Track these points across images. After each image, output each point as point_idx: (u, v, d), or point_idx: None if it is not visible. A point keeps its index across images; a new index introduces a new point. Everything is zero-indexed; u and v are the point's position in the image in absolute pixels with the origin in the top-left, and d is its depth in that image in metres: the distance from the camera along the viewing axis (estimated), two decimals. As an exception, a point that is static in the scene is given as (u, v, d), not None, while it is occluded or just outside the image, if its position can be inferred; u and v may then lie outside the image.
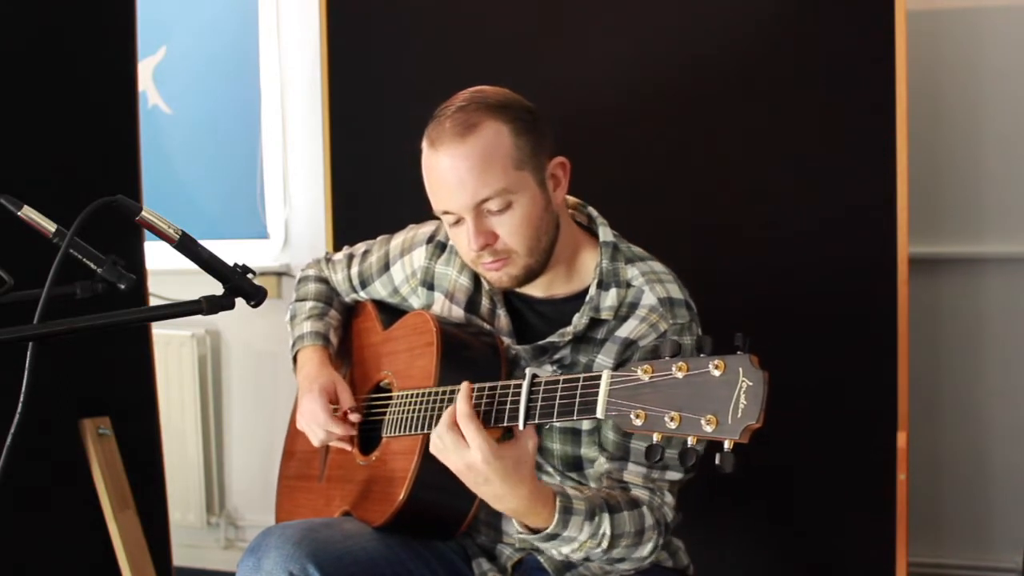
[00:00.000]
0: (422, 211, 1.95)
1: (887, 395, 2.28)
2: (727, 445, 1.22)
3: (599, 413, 1.36)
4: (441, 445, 1.49)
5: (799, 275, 2.39)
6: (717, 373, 1.24)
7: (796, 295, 2.38)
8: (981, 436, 2.75)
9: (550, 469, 1.75)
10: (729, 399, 1.22)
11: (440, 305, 1.86)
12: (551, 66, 2.51)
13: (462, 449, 1.47)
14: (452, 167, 1.62)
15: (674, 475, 1.65)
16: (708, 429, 1.23)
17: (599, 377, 1.37)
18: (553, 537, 1.53)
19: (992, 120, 2.68)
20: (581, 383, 1.40)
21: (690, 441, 1.26)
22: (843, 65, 2.33)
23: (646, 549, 1.61)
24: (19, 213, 1.55)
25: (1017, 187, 2.68)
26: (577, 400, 1.40)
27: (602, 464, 1.69)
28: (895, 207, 2.26)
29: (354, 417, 1.85)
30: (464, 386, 1.50)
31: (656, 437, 1.29)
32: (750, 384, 1.22)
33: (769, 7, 2.37)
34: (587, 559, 1.60)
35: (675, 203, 2.46)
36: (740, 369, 1.23)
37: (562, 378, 1.44)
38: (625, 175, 2.47)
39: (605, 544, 1.55)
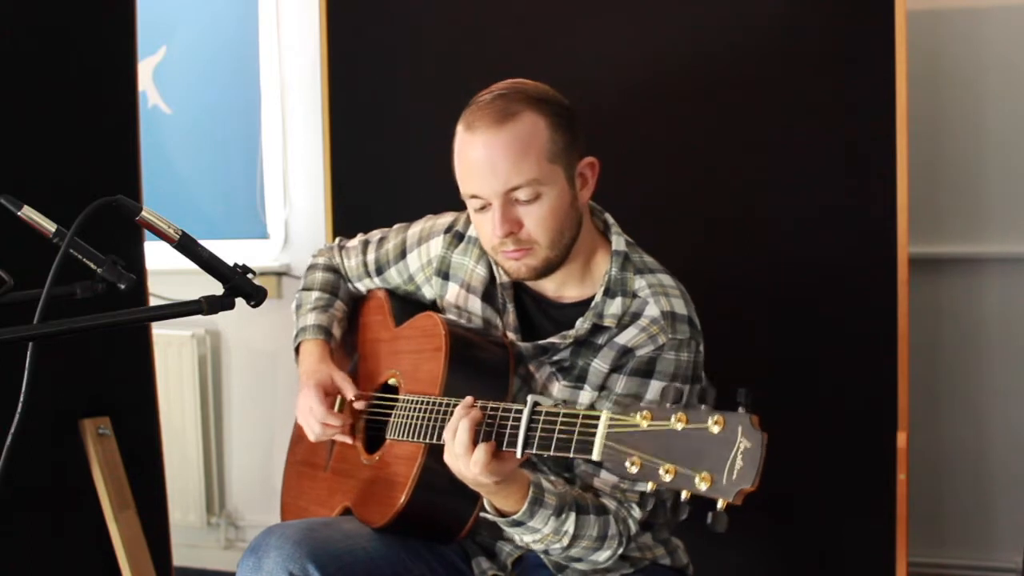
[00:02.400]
0: (423, 211, 1.96)
1: (887, 395, 2.28)
2: (720, 504, 1.20)
3: (595, 455, 1.34)
4: (456, 465, 1.52)
5: (799, 275, 2.39)
6: (716, 430, 1.22)
7: (796, 295, 2.38)
8: (981, 436, 2.75)
9: (545, 469, 1.76)
10: (726, 459, 1.20)
11: (455, 295, 1.86)
12: (551, 65, 2.50)
13: (476, 476, 1.50)
14: (487, 152, 1.63)
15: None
16: (702, 487, 1.21)
17: (598, 418, 1.35)
18: (518, 524, 1.57)
19: (992, 120, 2.68)
20: (580, 420, 1.38)
21: (683, 495, 1.24)
22: (843, 65, 2.33)
23: (603, 555, 1.64)
24: (19, 213, 1.54)
25: (1017, 187, 2.68)
26: (575, 438, 1.39)
27: (578, 464, 1.70)
28: (895, 207, 2.26)
29: (359, 404, 1.86)
30: (469, 403, 1.52)
31: (650, 486, 1.28)
32: (748, 446, 1.19)
33: (769, 7, 2.37)
34: (546, 551, 1.64)
35: (675, 203, 2.46)
36: (740, 428, 1.20)
37: (562, 411, 1.43)
38: (624, 175, 2.46)
39: (566, 541, 1.59)
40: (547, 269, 1.71)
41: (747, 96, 2.39)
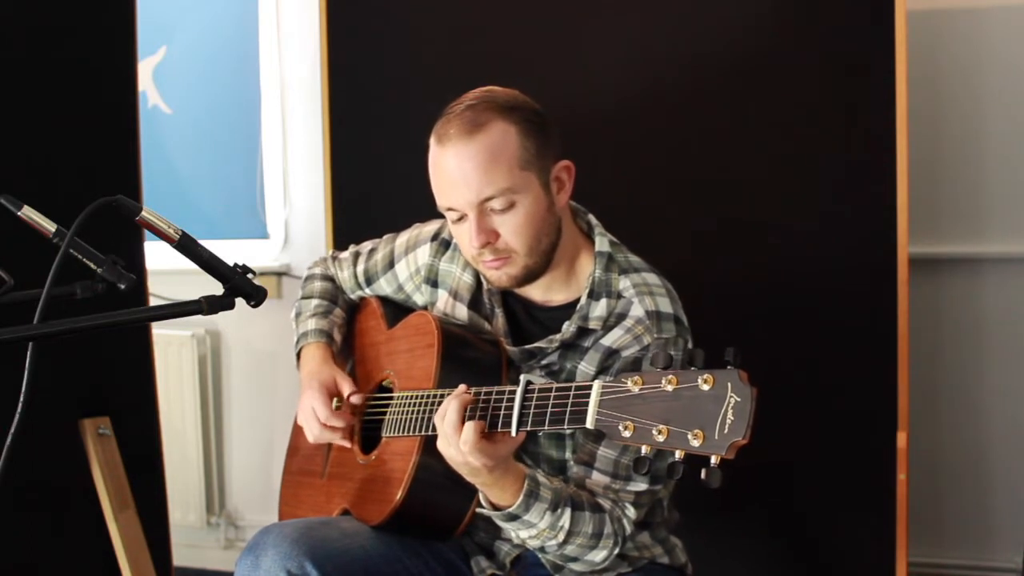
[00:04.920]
0: (422, 211, 1.96)
1: (887, 395, 2.28)
2: (714, 460, 1.22)
3: (589, 423, 1.36)
4: (448, 451, 1.53)
5: (799, 275, 2.39)
6: (706, 387, 1.24)
7: (796, 295, 2.39)
8: (981, 436, 2.75)
9: (540, 470, 1.75)
10: (717, 414, 1.22)
11: (444, 302, 1.87)
12: (551, 66, 2.51)
13: (466, 457, 1.50)
14: (458, 164, 1.64)
15: (637, 486, 1.66)
16: (695, 444, 1.23)
17: (590, 387, 1.38)
18: (514, 518, 1.57)
19: (992, 120, 2.68)
20: (573, 392, 1.41)
21: (677, 455, 1.26)
22: (843, 65, 2.33)
23: (600, 555, 1.63)
24: (19, 213, 1.54)
25: (1017, 187, 2.68)
26: (568, 409, 1.40)
27: (571, 466, 1.70)
28: (895, 207, 2.26)
29: (356, 399, 1.87)
30: (463, 391, 1.53)
31: (644, 449, 1.29)
32: (738, 400, 1.22)
33: (769, 7, 2.37)
34: (542, 549, 1.63)
35: (675, 203, 2.46)
36: (729, 384, 1.23)
37: (555, 386, 1.45)
38: (624, 176, 2.47)
39: (561, 537, 1.59)
40: (528, 277, 1.71)
41: (747, 96, 2.39)
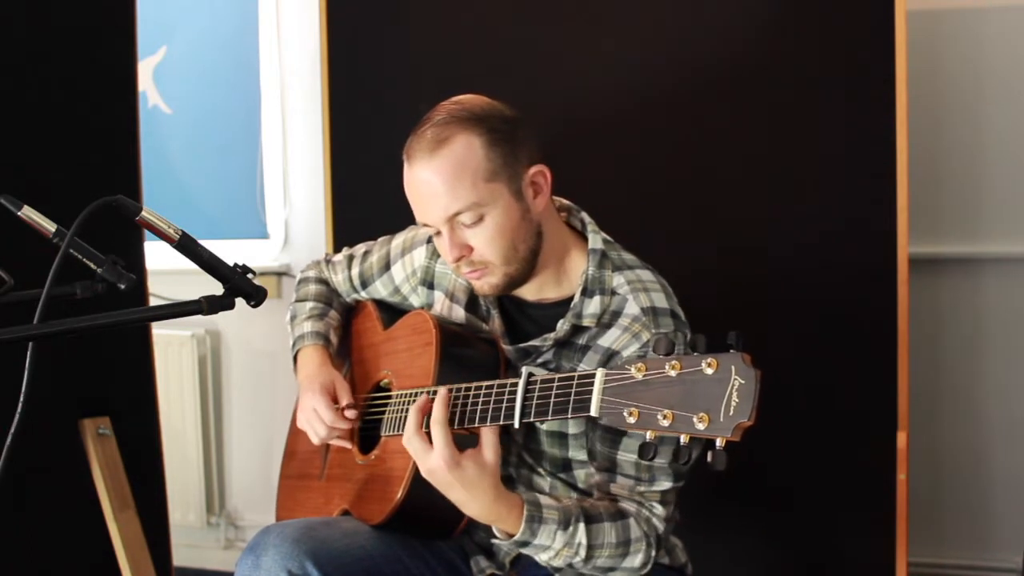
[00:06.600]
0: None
1: (887, 395, 2.28)
2: (719, 443, 1.23)
3: (593, 411, 1.37)
4: (411, 448, 1.55)
5: (799, 275, 2.39)
6: (710, 371, 1.25)
7: (796, 295, 2.39)
8: (981, 436, 2.75)
9: (541, 471, 1.76)
10: (721, 397, 1.23)
11: (441, 304, 1.87)
12: (551, 67, 2.51)
13: (427, 453, 1.52)
14: (425, 181, 1.64)
15: (663, 485, 1.65)
16: (700, 427, 1.24)
17: (593, 375, 1.38)
18: (524, 544, 1.56)
19: (992, 120, 2.68)
20: (576, 381, 1.41)
21: (683, 439, 1.27)
22: (843, 65, 2.33)
23: (637, 560, 1.62)
24: (19, 213, 1.54)
25: (1017, 187, 2.68)
26: (572, 398, 1.41)
27: (592, 475, 1.70)
28: (895, 207, 2.26)
29: (350, 414, 1.86)
30: (442, 391, 1.54)
31: (649, 435, 1.30)
32: (742, 382, 1.22)
33: (769, 8, 2.37)
34: (571, 566, 1.62)
35: (675, 204, 2.46)
36: (733, 367, 1.23)
37: (557, 376, 1.45)
38: (625, 176, 2.47)
39: (583, 553, 1.58)
40: (511, 284, 1.71)
41: (747, 97, 2.39)
